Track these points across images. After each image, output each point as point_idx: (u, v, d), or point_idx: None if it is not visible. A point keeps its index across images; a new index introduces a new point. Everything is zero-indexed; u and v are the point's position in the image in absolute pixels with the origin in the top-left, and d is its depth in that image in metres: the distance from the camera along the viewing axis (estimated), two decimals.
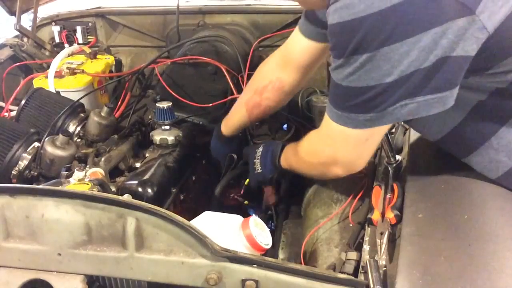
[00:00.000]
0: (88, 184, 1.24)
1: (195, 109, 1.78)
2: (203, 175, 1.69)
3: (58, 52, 2.00)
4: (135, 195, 1.31)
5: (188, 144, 1.62)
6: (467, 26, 0.81)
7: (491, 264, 0.82)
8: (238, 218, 1.11)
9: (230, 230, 1.08)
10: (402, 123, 1.33)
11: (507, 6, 0.83)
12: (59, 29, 2.21)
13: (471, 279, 0.80)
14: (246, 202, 1.59)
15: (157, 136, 1.57)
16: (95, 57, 2.01)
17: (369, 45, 0.84)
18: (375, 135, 0.99)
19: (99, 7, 2.29)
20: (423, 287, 0.80)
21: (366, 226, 1.06)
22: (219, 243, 0.93)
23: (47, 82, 1.79)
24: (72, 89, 1.81)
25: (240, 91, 1.67)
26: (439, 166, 1.11)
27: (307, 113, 1.86)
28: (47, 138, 1.44)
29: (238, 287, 0.93)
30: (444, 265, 0.83)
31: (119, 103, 1.91)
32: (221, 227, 1.08)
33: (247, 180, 1.49)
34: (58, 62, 1.88)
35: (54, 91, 1.77)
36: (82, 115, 1.61)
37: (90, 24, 2.25)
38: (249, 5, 2.22)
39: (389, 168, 1.17)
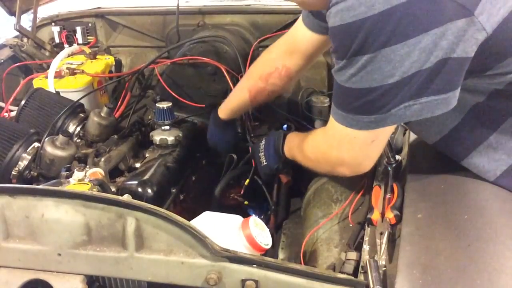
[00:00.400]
0: (88, 184, 1.24)
1: (195, 109, 1.78)
2: (203, 175, 1.69)
3: (58, 53, 2.00)
4: (135, 195, 1.31)
5: (188, 144, 1.62)
6: (466, 27, 0.82)
7: (491, 264, 0.82)
8: (238, 218, 1.11)
9: (230, 230, 1.08)
10: (402, 123, 1.33)
11: (505, 8, 0.84)
12: (59, 30, 2.21)
13: (471, 279, 0.80)
14: (246, 202, 1.59)
15: (157, 136, 1.57)
16: (95, 58, 2.02)
17: (370, 46, 0.84)
18: (380, 136, 0.99)
19: (99, 7, 2.29)
20: (423, 287, 0.80)
21: (366, 226, 1.06)
22: (219, 243, 0.93)
23: (47, 82, 1.79)
24: (72, 89, 1.81)
25: None
26: (439, 166, 1.11)
27: (307, 113, 1.86)
28: (47, 138, 1.44)
29: (238, 287, 0.93)
30: (444, 265, 0.83)
31: (119, 103, 1.91)
32: (221, 227, 1.08)
33: (247, 180, 1.49)
34: (58, 62, 1.88)
35: (54, 91, 1.77)
36: (82, 115, 1.61)
37: (90, 25, 2.25)
38: (249, 5, 2.22)
39: (389, 168, 1.17)
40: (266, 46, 2.07)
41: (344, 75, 0.91)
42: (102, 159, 1.45)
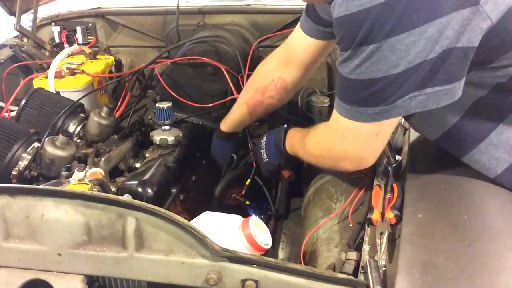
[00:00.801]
0: (88, 184, 1.24)
1: (195, 109, 1.78)
2: (203, 175, 1.69)
3: (58, 53, 2.00)
4: (135, 195, 1.31)
5: (188, 144, 1.62)
6: (471, 16, 0.82)
7: (491, 264, 0.82)
8: (238, 218, 1.11)
9: (230, 230, 1.08)
10: (402, 123, 1.33)
11: None
12: (59, 30, 2.21)
13: (471, 279, 0.80)
14: (247, 202, 1.59)
15: (157, 136, 1.57)
16: (95, 57, 2.02)
17: (376, 35, 0.84)
18: (385, 129, 0.98)
19: (99, 7, 2.29)
20: (423, 287, 0.80)
21: (366, 226, 1.06)
22: (219, 243, 0.92)
23: (47, 82, 1.79)
24: (72, 89, 1.81)
25: (240, 91, 1.67)
26: (439, 166, 1.11)
27: (307, 113, 1.86)
28: (47, 138, 1.44)
29: (238, 287, 0.93)
30: (444, 265, 0.83)
31: (119, 103, 1.91)
32: (221, 227, 1.08)
33: (249, 180, 1.49)
34: (58, 62, 1.88)
35: (54, 91, 1.77)
36: (82, 115, 1.61)
37: (90, 24, 2.25)
38: (249, 5, 2.22)
39: (389, 168, 1.17)
40: (266, 46, 2.10)
41: (349, 66, 0.91)
42: (102, 159, 1.45)
